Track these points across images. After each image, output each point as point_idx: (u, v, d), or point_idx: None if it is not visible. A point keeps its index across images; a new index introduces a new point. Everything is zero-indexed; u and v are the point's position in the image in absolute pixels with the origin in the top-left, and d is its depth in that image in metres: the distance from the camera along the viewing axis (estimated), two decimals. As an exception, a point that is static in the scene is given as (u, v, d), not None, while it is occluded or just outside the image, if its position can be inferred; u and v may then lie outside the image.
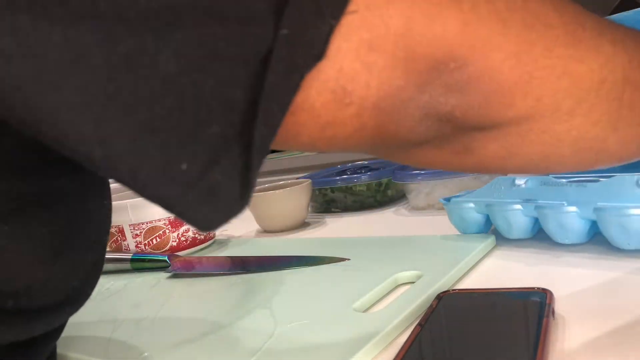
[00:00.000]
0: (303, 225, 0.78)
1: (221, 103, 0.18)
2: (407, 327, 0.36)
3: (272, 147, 0.21)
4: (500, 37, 0.21)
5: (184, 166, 0.18)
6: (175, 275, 0.60)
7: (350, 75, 0.20)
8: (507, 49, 0.21)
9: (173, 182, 0.19)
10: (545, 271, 0.43)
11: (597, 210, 0.43)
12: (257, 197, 0.75)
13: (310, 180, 0.79)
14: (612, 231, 0.43)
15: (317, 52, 0.19)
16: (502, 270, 0.45)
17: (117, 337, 0.44)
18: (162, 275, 0.60)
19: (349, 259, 0.53)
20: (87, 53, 0.17)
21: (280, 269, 0.54)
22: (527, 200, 0.49)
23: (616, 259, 0.43)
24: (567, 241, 0.46)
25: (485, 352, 0.30)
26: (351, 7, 0.19)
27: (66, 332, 0.47)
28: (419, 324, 0.34)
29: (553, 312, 0.33)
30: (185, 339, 0.41)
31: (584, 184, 0.46)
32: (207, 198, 0.19)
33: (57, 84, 0.17)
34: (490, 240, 0.51)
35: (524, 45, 0.21)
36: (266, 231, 0.78)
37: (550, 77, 0.22)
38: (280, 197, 0.75)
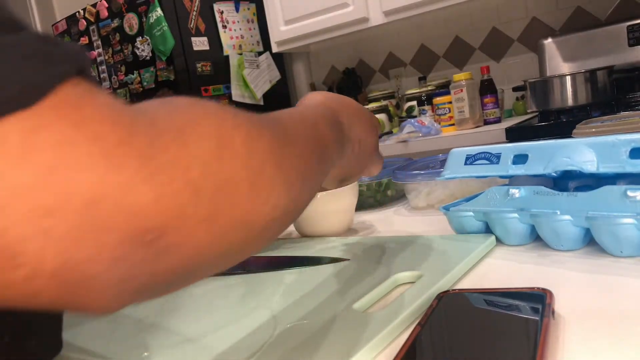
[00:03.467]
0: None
1: None
2: (407, 327, 0.36)
3: None
4: (191, 207, 0.21)
5: None
6: (175, 275, 0.59)
7: (19, 236, 0.18)
8: (199, 214, 0.22)
9: None
10: (546, 271, 0.43)
11: (588, 219, 0.44)
12: None
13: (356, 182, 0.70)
14: (604, 239, 0.43)
15: None
16: (502, 270, 0.45)
17: (117, 337, 0.44)
18: (162, 275, 0.60)
19: (348, 259, 0.53)
20: None
21: (280, 269, 0.54)
22: (522, 209, 0.49)
23: (616, 260, 0.43)
24: (562, 247, 0.47)
25: (485, 352, 0.30)
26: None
27: (66, 332, 0.47)
28: (419, 324, 0.34)
29: (553, 312, 0.33)
30: (185, 338, 0.41)
31: (575, 193, 0.46)
32: None
33: None
34: (490, 240, 0.51)
35: (214, 209, 0.23)
36: (305, 236, 0.70)
37: (248, 226, 0.25)
38: (327, 199, 0.66)
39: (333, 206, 0.66)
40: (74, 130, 0.19)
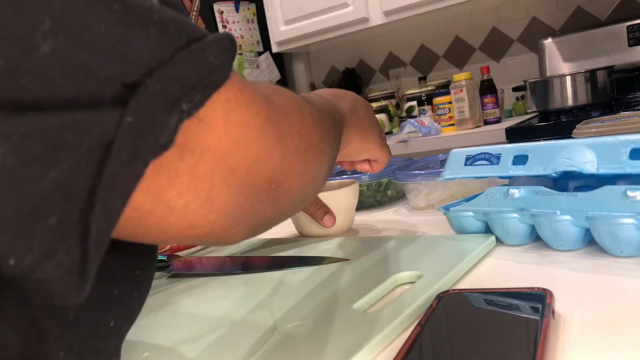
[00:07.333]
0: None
1: (62, 194, 0.18)
2: (407, 327, 0.37)
3: (141, 241, 0.25)
4: (299, 164, 0.30)
5: (11, 262, 0.18)
6: (175, 275, 0.60)
7: (217, 190, 0.24)
8: (298, 169, 0.30)
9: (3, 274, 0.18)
10: (545, 271, 0.43)
11: (588, 219, 0.44)
12: None
13: (357, 181, 0.71)
14: (604, 239, 0.43)
15: (163, 141, 0.20)
16: (502, 270, 0.45)
17: (117, 337, 0.44)
18: (162, 275, 0.60)
19: (348, 259, 0.53)
20: None
21: (280, 269, 0.54)
22: (522, 209, 0.49)
23: (616, 260, 0.43)
24: (562, 247, 0.47)
25: (485, 352, 0.30)
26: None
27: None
28: (419, 324, 0.34)
29: (553, 312, 0.33)
30: (185, 339, 0.41)
31: (575, 193, 0.46)
32: (38, 289, 0.19)
33: None
34: (490, 240, 0.51)
35: (305, 164, 0.31)
36: (305, 236, 0.69)
37: (316, 180, 0.34)
38: (328, 199, 0.66)
39: (333, 206, 0.66)
40: (247, 109, 0.25)
